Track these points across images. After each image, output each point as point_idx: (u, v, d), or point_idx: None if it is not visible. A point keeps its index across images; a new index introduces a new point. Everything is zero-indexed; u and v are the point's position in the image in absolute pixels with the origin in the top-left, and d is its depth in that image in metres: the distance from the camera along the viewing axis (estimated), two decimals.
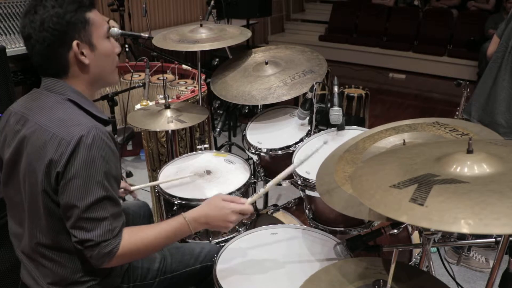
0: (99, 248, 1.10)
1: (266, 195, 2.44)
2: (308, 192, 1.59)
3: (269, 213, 1.95)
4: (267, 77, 2.03)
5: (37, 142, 1.11)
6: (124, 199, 1.93)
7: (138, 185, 1.82)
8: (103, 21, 1.21)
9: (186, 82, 3.32)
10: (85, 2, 1.15)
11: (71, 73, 1.18)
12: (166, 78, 3.20)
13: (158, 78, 3.29)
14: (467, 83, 2.49)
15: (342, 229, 1.58)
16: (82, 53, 1.16)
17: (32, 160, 1.12)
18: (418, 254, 1.73)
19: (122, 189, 1.70)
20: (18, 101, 1.26)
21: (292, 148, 1.81)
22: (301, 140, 1.84)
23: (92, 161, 1.08)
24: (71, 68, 1.17)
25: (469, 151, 0.90)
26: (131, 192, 1.77)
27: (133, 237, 1.16)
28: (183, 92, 2.97)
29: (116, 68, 1.28)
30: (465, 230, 0.72)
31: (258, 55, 2.24)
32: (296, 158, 1.66)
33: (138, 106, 2.58)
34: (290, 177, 1.80)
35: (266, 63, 2.08)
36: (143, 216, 1.75)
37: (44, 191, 1.11)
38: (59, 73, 1.18)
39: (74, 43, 1.14)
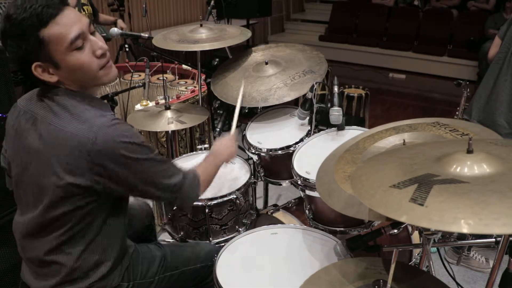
0: (187, 182, 1.28)
1: (266, 195, 2.45)
2: (308, 192, 1.59)
3: (269, 213, 1.96)
4: (268, 77, 2.03)
5: (54, 142, 1.10)
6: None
7: None
8: (66, 33, 1.07)
9: (186, 82, 3.32)
10: (34, 21, 1.04)
11: (54, 84, 1.15)
12: (166, 78, 3.20)
13: (158, 78, 3.29)
14: (467, 83, 2.49)
15: (342, 229, 1.58)
16: (48, 71, 1.11)
17: (51, 161, 1.11)
18: (418, 254, 1.73)
19: None
20: (25, 98, 1.24)
21: (292, 148, 1.81)
22: (301, 140, 1.84)
23: (123, 143, 1.10)
24: (50, 82, 1.15)
25: (469, 151, 0.90)
26: None
27: (199, 167, 1.41)
28: (183, 92, 2.97)
29: (101, 70, 1.16)
30: (465, 230, 0.72)
31: (258, 54, 2.24)
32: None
33: (138, 106, 2.58)
34: (290, 177, 1.81)
35: (266, 63, 2.08)
36: (145, 216, 1.76)
37: (67, 192, 1.11)
38: (46, 84, 1.16)
39: (33, 66, 1.09)
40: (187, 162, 2.01)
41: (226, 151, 1.58)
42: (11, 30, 1.05)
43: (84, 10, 3.37)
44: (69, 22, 1.08)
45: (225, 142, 1.61)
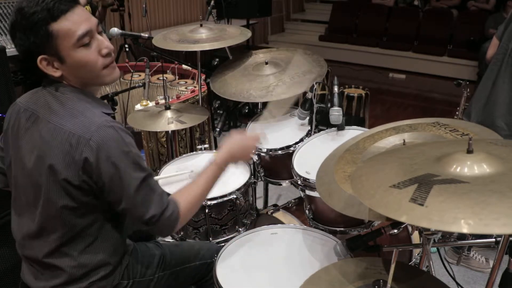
0: (164, 218, 1.17)
1: (266, 195, 2.45)
2: (308, 192, 1.59)
3: (269, 213, 1.96)
4: (267, 76, 2.03)
5: (52, 141, 1.11)
6: None
7: None
8: (74, 29, 1.10)
9: (186, 82, 3.32)
10: (45, 15, 1.07)
11: (56, 79, 1.17)
12: (166, 78, 3.20)
13: (158, 78, 3.29)
14: (467, 83, 2.48)
15: (342, 229, 1.58)
16: (53, 65, 1.13)
17: (47, 160, 1.11)
18: (418, 254, 1.73)
19: None
20: (26, 96, 1.24)
21: (292, 148, 1.81)
22: (301, 140, 1.84)
23: (120, 153, 1.10)
24: (53, 77, 1.16)
25: (469, 151, 0.90)
26: None
27: (185, 197, 1.26)
28: (183, 92, 2.97)
29: (104, 69, 1.18)
30: (465, 230, 0.72)
31: (258, 56, 2.24)
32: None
33: (138, 106, 2.58)
34: (290, 177, 1.81)
35: (266, 63, 2.08)
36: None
37: (65, 189, 1.11)
38: (49, 78, 1.17)
39: (38, 59, 1.11)
40: (187, 162, 2.01)
41: (238, 154, 1.39)
42: (21, 22, 1.08)
43: None
44: (79, 19, 1.11)
45: (239, 144, 1.40)
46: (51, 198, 1.14)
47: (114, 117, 2.36)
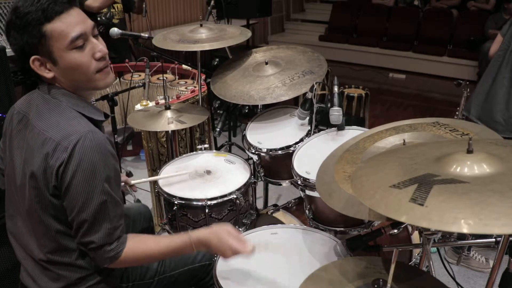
0: (102, 251, 1.13)
1: (266, 195, 2.45)
2: (308, 192, 1.59)
3: (269, 213, 1.95)
4: (267, 77, 2.03)
5: (34, 146, 1.11)
6: (124, 201, 1.93)
7: (138, 180, 1.85)
8: (67, 31, 1.09)
9: (186, 82, 3.32)
10: (39, 15, 1.07)
11: (50, 81, 1.16)
12: (166, 78, 3.20)
13: (158, 78, 3.29)
14: (467, 83, 2.48)
15: (342, 229, 1.58)
16: (45, 66, 1.13)
17: (29, 164, 1.12)
18: (418, 254, 1.73)
19: (123, 183, 1.70)
20: (22, 98, 1.25)
21: (292, 148, 1.81)
22: (301, 140, 1.83)
23: (91, 166, 1.08)
24: (45, 78, 1.16)
25: (469, 151, 0.90)
26: (131, 186, 1.77)
27: (137, 247, 1.19)
28: (183, 92, 2.96)
29: (97, 74, 1.17)
30: (465, 230, 0.72)
31: (259, 55, 2.24)
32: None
33: (138, 106, 2.58)
34: (290, 177, 1.80)
35: (266, 63, 2.08)
36: (143, 219, 1.76)
37: (42, 194, 1.12)
38: (42, 80, 1.17)
39: (31, 59, 1.11)
40: (187, 162, 2.01)
41: (215, 247, 1.24)
42: (15, 21, 1.08)
43: (113, 8, 3.37)
44: (73, 22, 1.10)
45: (224, 240, 1.23)
46: (32, 203, 1.14)
47: (114, 119, 2.37)
